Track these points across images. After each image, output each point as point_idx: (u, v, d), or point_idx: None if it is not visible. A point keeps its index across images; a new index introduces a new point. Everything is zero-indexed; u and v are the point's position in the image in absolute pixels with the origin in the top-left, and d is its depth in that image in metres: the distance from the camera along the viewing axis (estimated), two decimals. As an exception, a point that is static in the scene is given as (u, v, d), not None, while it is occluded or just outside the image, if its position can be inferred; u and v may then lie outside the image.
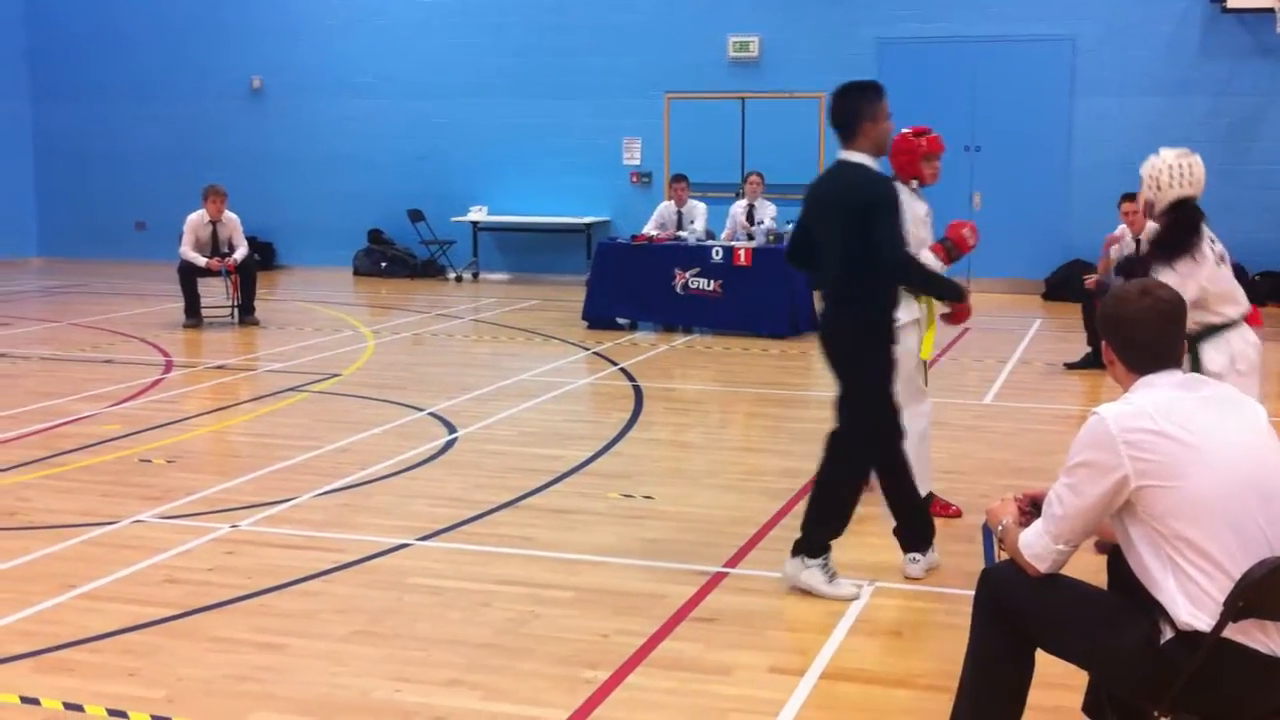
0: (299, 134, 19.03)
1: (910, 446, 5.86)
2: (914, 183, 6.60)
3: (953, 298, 5.94)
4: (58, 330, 13.31)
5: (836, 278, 5.53)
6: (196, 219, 13.54)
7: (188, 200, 14.73)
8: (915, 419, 6.26)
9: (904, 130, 6.58)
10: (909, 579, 5.72)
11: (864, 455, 5.72)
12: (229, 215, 13.63)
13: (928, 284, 5.87)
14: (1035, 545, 3.46)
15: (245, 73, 19.25)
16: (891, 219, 5.39)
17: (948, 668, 4.58)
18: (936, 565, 5.80)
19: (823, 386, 10.77)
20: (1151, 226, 5.90)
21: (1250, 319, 5.83)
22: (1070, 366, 10.91)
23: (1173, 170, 5.94)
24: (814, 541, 5.57)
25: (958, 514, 6.66)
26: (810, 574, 5.54)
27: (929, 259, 6.33)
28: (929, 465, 6.63)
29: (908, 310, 6.30)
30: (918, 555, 5.75)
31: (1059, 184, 16.25)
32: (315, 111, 18.86)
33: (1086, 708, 3.79)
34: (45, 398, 9.66)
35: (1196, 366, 5.58)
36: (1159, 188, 5.93)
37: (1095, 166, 15.93)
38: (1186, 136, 15.61)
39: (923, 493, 6.07)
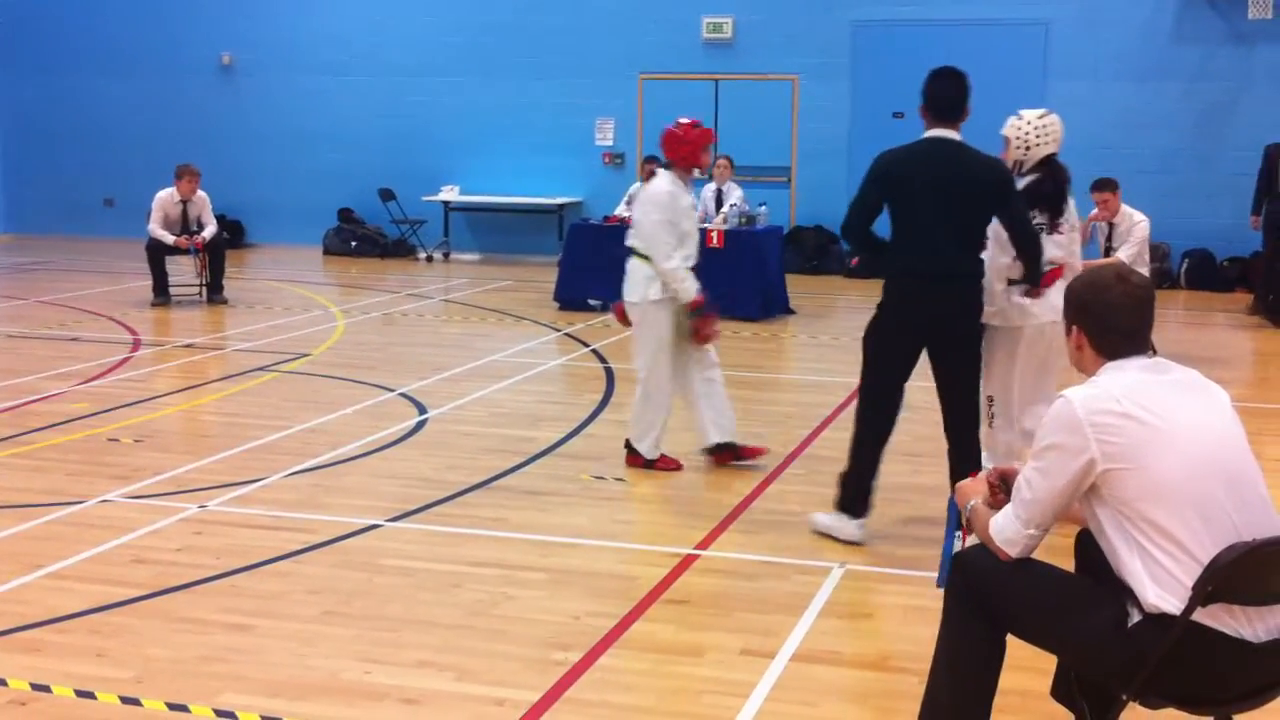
0: (269, 111, 18.89)
1: (662, 415, 7.04)
2: (695, 171, 7.15)
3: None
4: (24, 308, 13.20)
5: (957, 254, 5.76)
6: (166, 196, 13.42)
7: (158, 177, 14.61)
8: (668, 389, 7.16)
9: (680, 121, 7.11)
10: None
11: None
12: (199, 194, 13.52)
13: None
14: (1006, 530, 3.47)
15: (216, 49, 19.09)
16: (1020, 199, 5.91)
17: (918, 650, 4.61)
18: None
19: (795, 369, 10.80)
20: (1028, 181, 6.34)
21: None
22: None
23: (1038, 129, 6.42)
24: None
25: (758, 452, 7.30)
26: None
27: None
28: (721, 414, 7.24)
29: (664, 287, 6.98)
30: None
31: (1031, 168, 16.26)
32: (286, 88, 18.73)
33: (1055, 692, 3.80)
34: (12, 375, 9.57)
35: None
36: (1028, 147, 6.40)
37: (1068, 152, 15.60)
38: (1160, 122, 15.79)
39: (715, 440, 7.14)
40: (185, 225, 13.42)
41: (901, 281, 5.86)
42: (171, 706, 4.29)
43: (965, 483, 3.77)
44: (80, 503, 6.50)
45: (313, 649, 4.78)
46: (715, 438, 7.27)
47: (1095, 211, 10.78)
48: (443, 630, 4.96)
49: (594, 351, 10.97)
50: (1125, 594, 3.28)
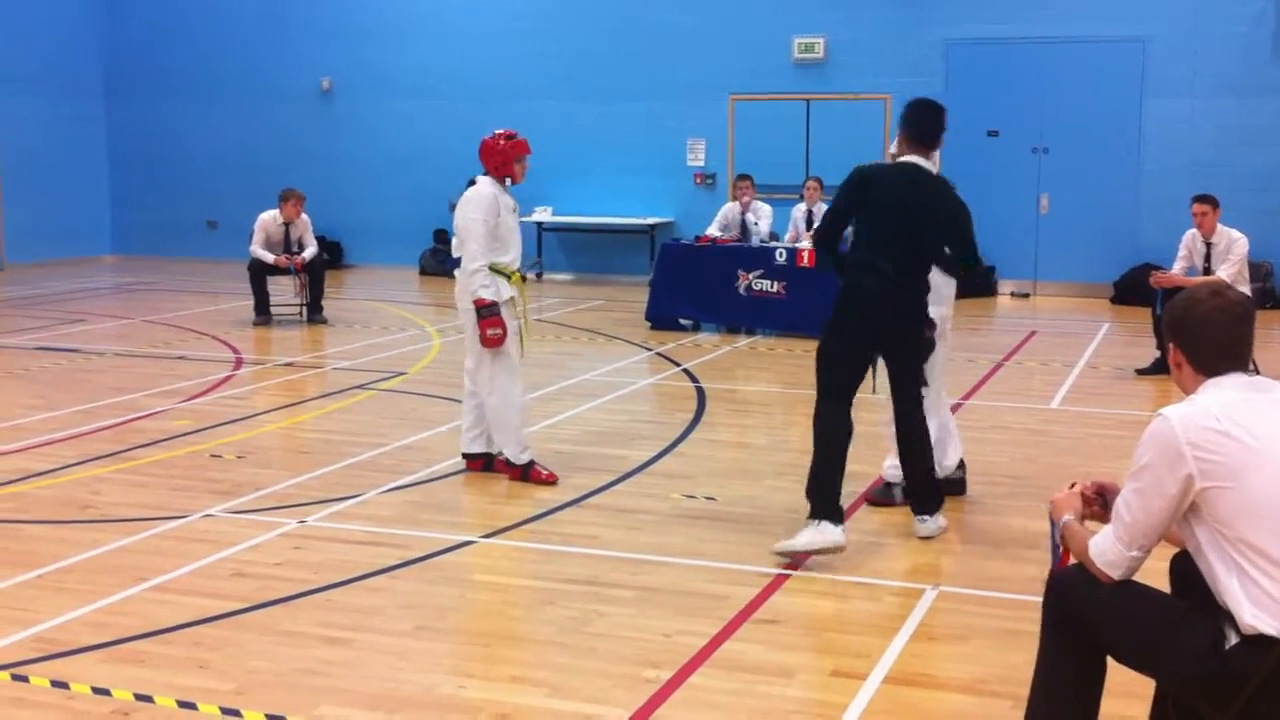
0: (367, 134, 19.21)
1: (513, 414, 7.28)
2: (506, 181, 7.45)
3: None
4: (130, 327, 13.54)
5: (903, 266, 6.14)
6: (268, 218, 13.72)
7: (258, 199, 14.95)
8: (516, 389, 7.38)
9: (496, 133, 7.51)
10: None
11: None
12: (301, 216, 13.80)
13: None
14: (1108, 553, 3.43)
15: (315, 74, 19.46)
16: (970, 225, 6.37)
17: (1012, 674, 4.57)
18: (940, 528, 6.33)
19: (883, 388, 10.72)
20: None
21: None
22: (1141, 372, 10.77)
23: None
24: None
25: (552, 479, 7.34)
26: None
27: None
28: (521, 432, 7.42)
29: (507, 289, 7.31)
30: (925, 516, 6.35)
31: (1128, 186, 16.06)
32: (383, 112, 19.04)
33: (1154, 718, 3.75)
34: (118, 393, 9.83)
35: None
36: None
37: (1165, 169, 15.75)
38: (1259, 139, 15.50)
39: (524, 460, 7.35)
40: (287, 246, 13.70)
41: (851, 281, 6.19)
42: (271, 717, 4.38)
43: (1058, 496, 3.75)
44: (183, 517, 6.66)
45: (408, 663, 4.85)
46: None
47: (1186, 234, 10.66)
48: (535, 646, 5.01)
49: (685, 371, 11.00)
50: (1222, 616, 3.23)
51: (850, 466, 6.23)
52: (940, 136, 6.39)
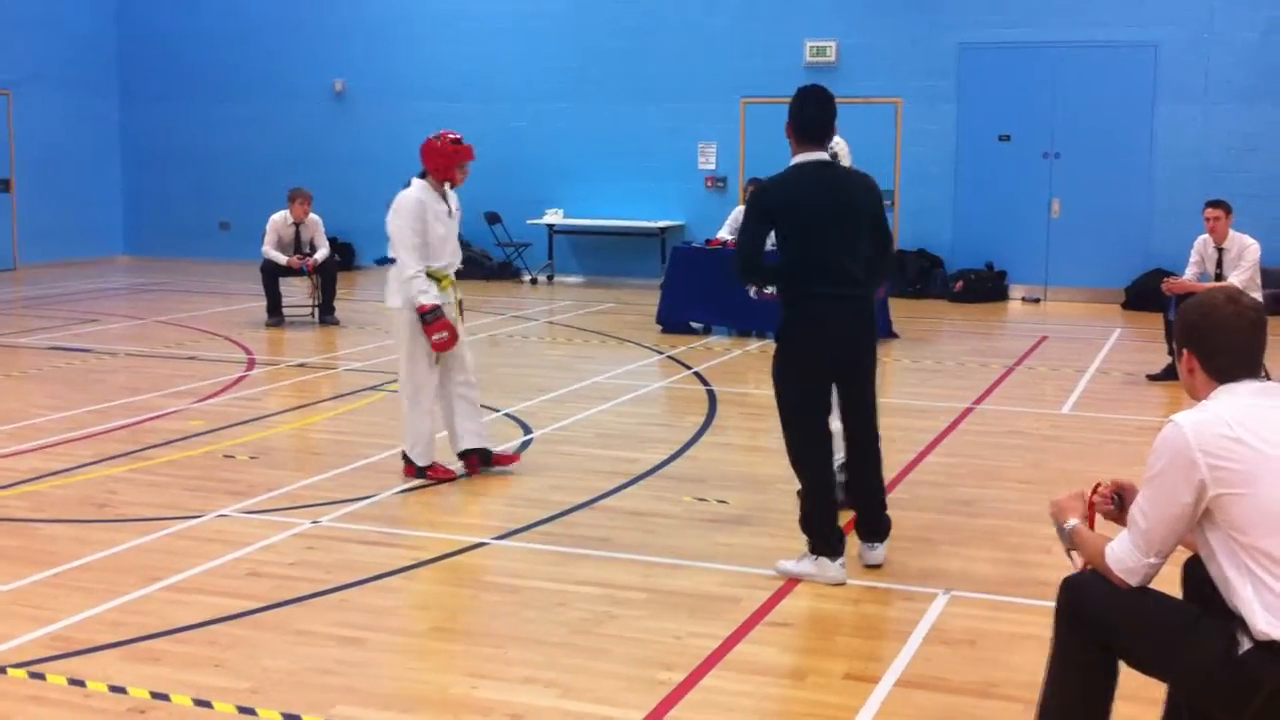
0: (379, 136, 19.24)
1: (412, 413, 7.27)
2: (447, 184, 7.42)
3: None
4: (144, 327, 13.59)
5: (854, 277, 5.77)
6: (279, 219, 13.77)
7: (270, 201, 15.00)
8: (428, 393, 7.41)
9: (442, 134, 7.42)
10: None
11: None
12: (311, 216, 13.85)
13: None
14: (1126, 560, 3.44)
15: (328, 75, 19.52)
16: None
17: (1024, 678, 4.59)
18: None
19: (898, 393, 10.75)
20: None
21: None
22: (1152, 378, 10.77)
23: (844, 154, 7.32)
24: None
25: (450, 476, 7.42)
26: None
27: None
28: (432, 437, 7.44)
29: (443, 295, 7.35)
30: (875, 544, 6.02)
31: (1140, 191, 16.04)
32: (396, 114, 19.06)
33: (1165, 723, 3.76)
34: (132, 393, 9.87)
35: None
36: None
37: (1177, 174, 15.74)
38: (1271, 145, 15.48)
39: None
40: (298, 247, 13.74)
41: (808, 305, 5.76)
42: (286, 716, 4.40)
43: (1061, 499, 3.74)
44: (197, 517, 6.69)
45: (422, 663, 4.88)
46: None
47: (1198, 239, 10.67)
48: (548, 648, 5.03)
49: (696, 374, 11.02)
50: (1235, 622, 3.24)
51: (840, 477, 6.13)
52: (832, 128, 5.91)
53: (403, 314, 7.34)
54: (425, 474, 7.41)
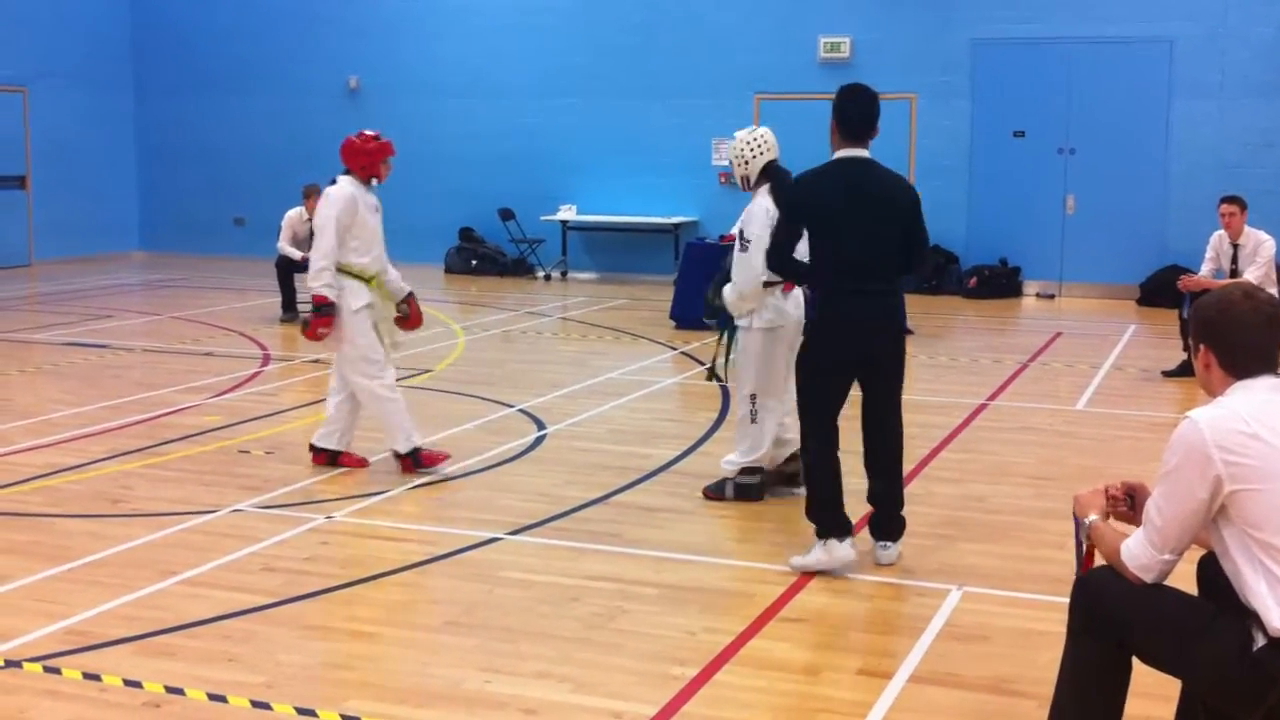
0: (393, 133, 18.78)
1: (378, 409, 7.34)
2: (373, 181, 7.50)
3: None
4: (159, 323, 13.63)
5: (887, 274, 5.85)
6: (295, 215, 13.81)
7: (285, 197, 15.02)
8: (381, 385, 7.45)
9: (365, 133, 7.51)
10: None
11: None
12: (324, 212, 13.85)
13: None
14: (1141, 557, 3.43)
15: (343, 72, 19.54)
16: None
17: (1037, 674, 4.58)
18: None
19: (912, 389, 10.71)
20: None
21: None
22: (1167, 374, 10.73)
23: (752, 144, 6.84)
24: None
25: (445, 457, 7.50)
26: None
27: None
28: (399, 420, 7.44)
29: (365, 295, 7.37)
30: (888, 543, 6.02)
31: (1156, 187, 15.99)
32: (410, 111, 19.07)
33: (1180, 718, 3.75)
34: (147, 389, 9.91)
35: None
36: (747, 161, 6.83)
37: (1193, 170, 15.68)
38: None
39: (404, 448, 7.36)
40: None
41: (834, 300, 5.82)
42: (300, 711, 4.42)
43: (1082, 494, 3.75)
44: (212, 512, 6.71)
45: (435, 658, 4.89)
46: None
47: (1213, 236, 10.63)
48: (561, 642, 5.03)
49: (709, 369, 10.99)
50: (1250, 618, 3.24)
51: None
52: (875, 125, 5.94)
53: (345, 316, 7.37)
54: (419, 459, 7.42)
